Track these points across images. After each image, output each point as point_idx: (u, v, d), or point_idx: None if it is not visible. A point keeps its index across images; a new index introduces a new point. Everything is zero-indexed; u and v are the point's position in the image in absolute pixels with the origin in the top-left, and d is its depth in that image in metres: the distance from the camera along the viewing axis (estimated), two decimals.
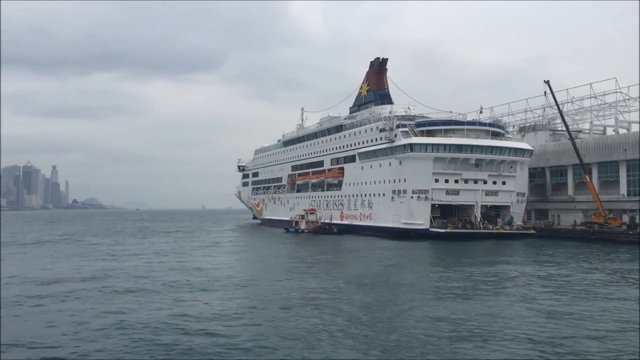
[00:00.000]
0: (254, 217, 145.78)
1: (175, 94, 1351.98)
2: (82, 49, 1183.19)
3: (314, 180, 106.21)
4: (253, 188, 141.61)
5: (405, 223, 75.58)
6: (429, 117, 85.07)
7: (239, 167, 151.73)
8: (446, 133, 77.56)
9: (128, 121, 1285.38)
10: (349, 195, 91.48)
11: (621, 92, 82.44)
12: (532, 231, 74.76)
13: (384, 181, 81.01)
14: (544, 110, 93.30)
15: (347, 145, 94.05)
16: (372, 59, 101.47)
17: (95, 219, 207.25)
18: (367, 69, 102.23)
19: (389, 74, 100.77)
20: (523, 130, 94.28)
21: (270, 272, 39.95)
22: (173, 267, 43.16)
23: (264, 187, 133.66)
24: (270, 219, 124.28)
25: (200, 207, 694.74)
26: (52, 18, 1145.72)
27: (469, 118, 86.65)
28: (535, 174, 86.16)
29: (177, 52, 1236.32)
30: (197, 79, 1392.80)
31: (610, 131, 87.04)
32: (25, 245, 71.90)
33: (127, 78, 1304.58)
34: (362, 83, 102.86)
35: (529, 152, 79.48)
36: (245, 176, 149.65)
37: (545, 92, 79.08)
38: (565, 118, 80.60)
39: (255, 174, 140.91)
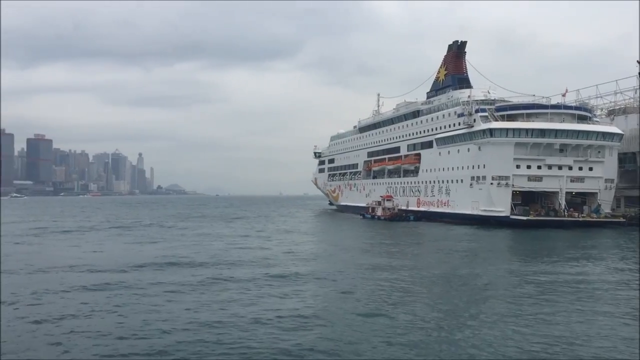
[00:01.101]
0: (330, 204, 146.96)
1: (253, 82, 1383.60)
2: (166, 40, 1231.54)
3: (390, 167, 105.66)
4: (329, 174, 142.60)
5: (485, 210, 73.88)
6: (509, 101, 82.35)
7: (315, 153, 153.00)
8: (528, 117, 74.79)
9: (209, 109, 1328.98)
10: (426, 182, 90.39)
11: None
12: (620, 219, 71.08)
13: (462, 167, 79.45)
14: (636, 92, 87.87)
15: (424, 131, 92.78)
16: (450, 43, 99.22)
17: (181, 204, 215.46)
18: (445, 53, 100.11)
19: (467, 57, 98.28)
20: (612, 113, 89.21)
21: (358, 261, 39.22)
22: (256, 254, 44.31)
23: (339, 174, 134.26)
24: (346, 205, 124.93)
25: (277, 194, 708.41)
26: (137, 11, 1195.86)
27: (553, 101, 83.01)
28: (625, 160, 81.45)
29: (255, 41, 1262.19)
30: (274, 67, 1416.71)
31: None
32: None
33: (208, 67, 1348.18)
34: (440, 67, 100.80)
35: (619, 137, 75.29)
36: (321, 162, 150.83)
37: (639, 73, 74.51)
38: None
39: (331, 161, 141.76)
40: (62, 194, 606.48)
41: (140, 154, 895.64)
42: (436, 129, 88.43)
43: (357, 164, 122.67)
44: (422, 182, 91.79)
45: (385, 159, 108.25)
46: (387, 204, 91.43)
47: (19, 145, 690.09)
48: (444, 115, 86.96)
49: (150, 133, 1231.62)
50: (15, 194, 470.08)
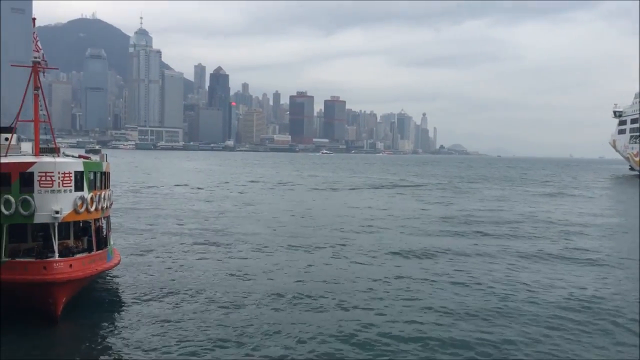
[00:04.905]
0: (631, 168, 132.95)
1: (547, 36, 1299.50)
2: None
3: None
4: (631, 136, 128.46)
5: None
6: None
7: (614, 112, 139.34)
8: None
9: (497, 67, 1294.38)
10: None
11: None
12: None
13: None
14: None
15: None
16: None
17: (475, 165, 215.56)
18: None
19: None
20: None
21: None
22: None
23: None
24: None
25: (566, 156, 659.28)
26: None
27: None
28: None
29: None
30: (573, 18, 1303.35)
31: None
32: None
33: (499, 23, 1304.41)
34: None
35: None
36: (621, 123, 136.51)
37: None
38: None
39: (635, 120, 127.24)
40: (353, 151, 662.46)
41: (424, 114, 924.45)
42: None
43: None
44: None
45: None
46: None
47: (318, 107, 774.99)
48: None
49: (434, 93, 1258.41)
50: (326, 151, 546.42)
